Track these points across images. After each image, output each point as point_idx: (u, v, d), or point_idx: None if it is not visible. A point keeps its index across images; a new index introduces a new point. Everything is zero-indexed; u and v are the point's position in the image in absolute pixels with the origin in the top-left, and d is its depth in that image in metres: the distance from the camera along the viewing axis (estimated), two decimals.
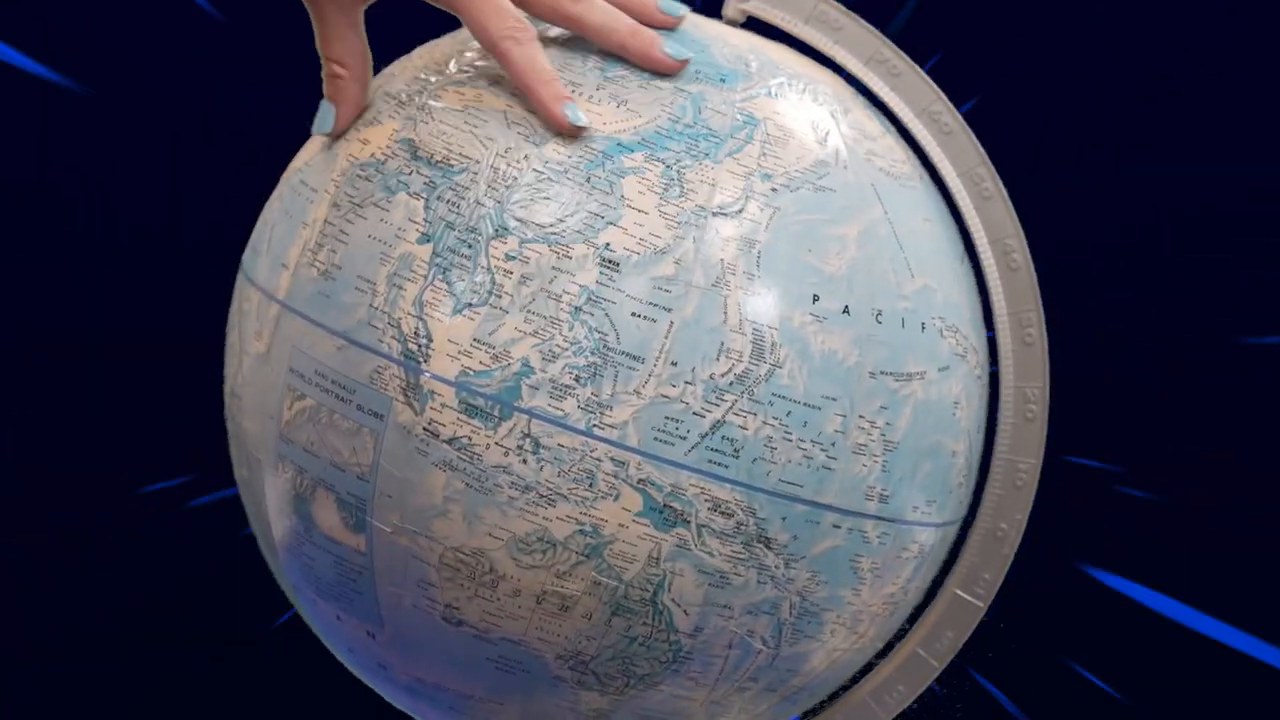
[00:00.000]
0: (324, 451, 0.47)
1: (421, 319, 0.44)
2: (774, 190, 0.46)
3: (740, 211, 0.45)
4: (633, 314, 0.43)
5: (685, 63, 0.48)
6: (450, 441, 0.44)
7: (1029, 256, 0.56)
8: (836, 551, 0.47)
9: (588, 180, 0.45)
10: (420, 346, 0.44)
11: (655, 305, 0.43)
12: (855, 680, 0.59)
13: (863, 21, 0.56)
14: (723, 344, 0.44)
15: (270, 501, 0.51)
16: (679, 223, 0.44)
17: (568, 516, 0.44)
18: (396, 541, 0.46)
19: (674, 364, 0.43)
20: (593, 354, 0.43)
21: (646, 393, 0.43)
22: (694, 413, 0.43)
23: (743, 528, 0.45)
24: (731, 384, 0.44)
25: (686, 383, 0.43)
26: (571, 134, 0.46)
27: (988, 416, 0.56)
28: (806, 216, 0.46)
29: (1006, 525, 0.57)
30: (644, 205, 0.44)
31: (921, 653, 0.58)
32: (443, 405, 0.43)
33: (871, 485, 0.47)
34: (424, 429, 0.44)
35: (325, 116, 0.51)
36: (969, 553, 0.58)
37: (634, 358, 0.43)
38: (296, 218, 0.50)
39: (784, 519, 0.45)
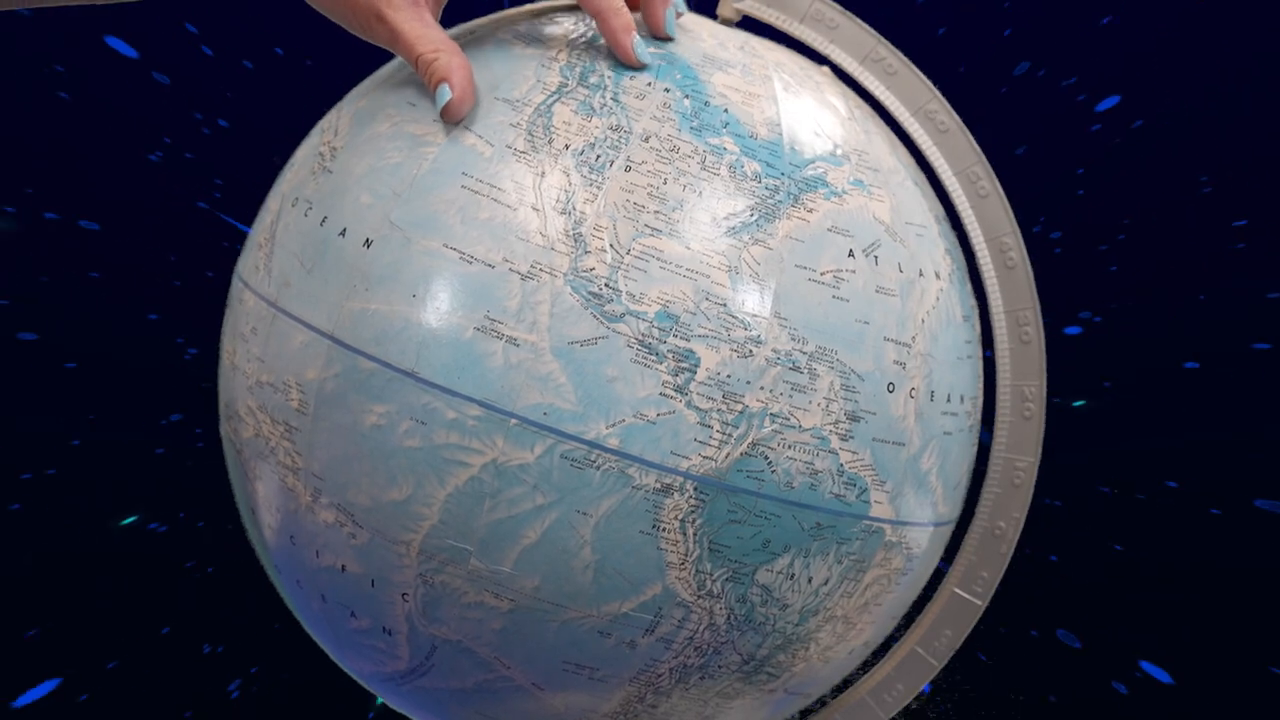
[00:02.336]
0: None
1: None
2: None
3: None
4: None
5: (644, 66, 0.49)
6: None
7: (1025, 255, 0.56)
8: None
9: None
10: None
11: None
12: (854, 679, 0.59)
13: (859, 20, 0.56)
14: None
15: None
16: None
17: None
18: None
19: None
20: None
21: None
22: None
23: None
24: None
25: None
26: (636, 67, 0.48)
27: (985, 415, 0.56)
28: None
29: (1004, 524, 0.57)
30: None
31: (920, 651, 0.58)
32: None
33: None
34: None
35: (442, 95, 0.47)
36: (967, 551, 0.58)
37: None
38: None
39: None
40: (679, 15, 0.51)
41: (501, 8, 0.55)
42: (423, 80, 0.48)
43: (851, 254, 0.46)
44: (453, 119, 0.47)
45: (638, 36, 0.48)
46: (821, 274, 0.45)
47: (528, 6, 0.55)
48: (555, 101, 0.47)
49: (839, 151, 0.48)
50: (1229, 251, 1.06)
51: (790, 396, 0.44)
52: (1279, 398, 1.07)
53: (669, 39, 0.50)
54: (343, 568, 0.48)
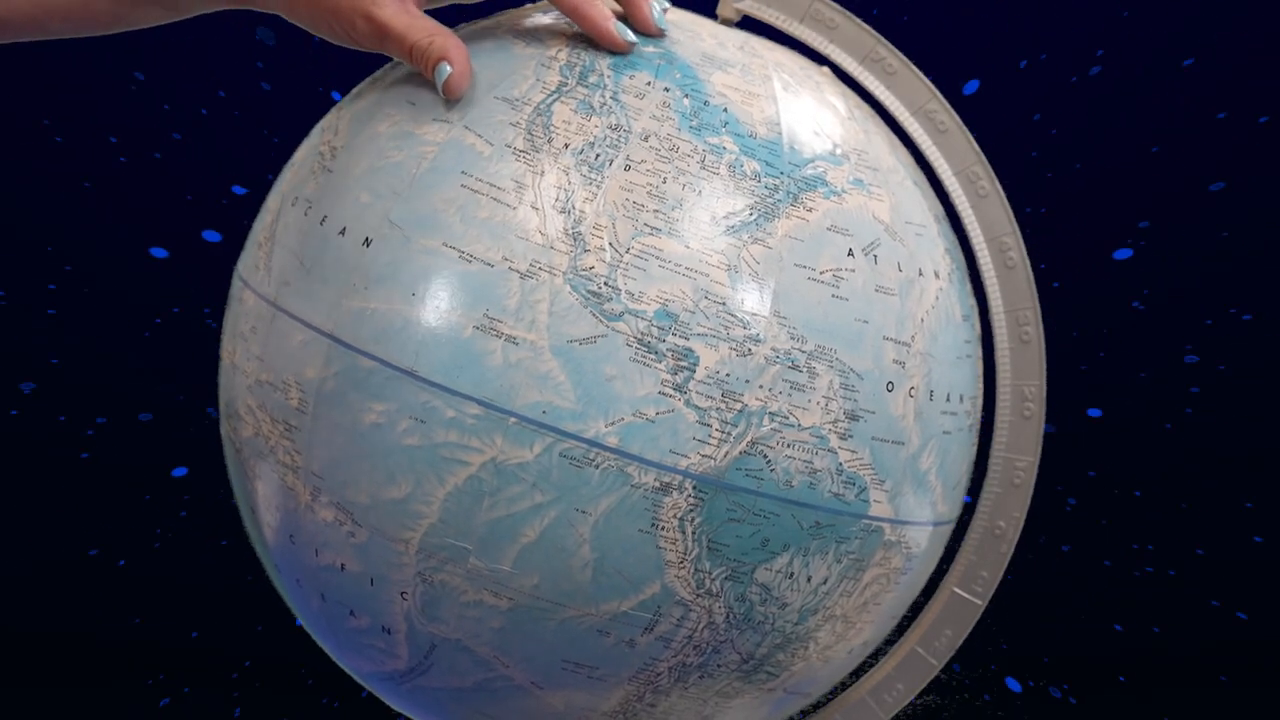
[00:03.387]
0: None
1: None
2: None
3: None
4: None
5: (633, 44, 0.49)
6: None
7: (1025, 255, 0.56)
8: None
9: None
10: None
11: None
12: (854, 679, 0.59)
13: (858, 20, 0.56)
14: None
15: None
16: None
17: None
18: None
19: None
20: None
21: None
22: None
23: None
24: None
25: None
26: (625, 50, 0.48)
27: (985, 415, 0.56)
28: None
29: (1004, 523, 0.57)
30: None
31: (920, 651, 0.58)
32: None
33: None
34: None
35: (441, 72, 0.48)
36: (967, 551, 0.58)
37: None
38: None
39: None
40: (665, 11, 0.51)
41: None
42: (420, 67, 0.48)
43: (851, 253, 0.46)
44: (454, 95, 0.47)
45: (618, 22, 0.48)
46: (821, 273, 0.45)
47: (526, 6, 0.55)
48: (555, 100, 0.47)
49: (838, 151, 0.48)
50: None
51: (789, 395, 0.44)
52: None
53: (660, 34, 0.50)
54: (342, 566, 0.48)
